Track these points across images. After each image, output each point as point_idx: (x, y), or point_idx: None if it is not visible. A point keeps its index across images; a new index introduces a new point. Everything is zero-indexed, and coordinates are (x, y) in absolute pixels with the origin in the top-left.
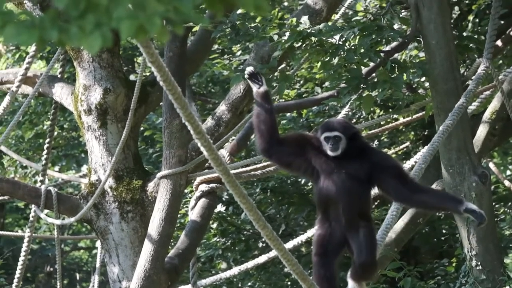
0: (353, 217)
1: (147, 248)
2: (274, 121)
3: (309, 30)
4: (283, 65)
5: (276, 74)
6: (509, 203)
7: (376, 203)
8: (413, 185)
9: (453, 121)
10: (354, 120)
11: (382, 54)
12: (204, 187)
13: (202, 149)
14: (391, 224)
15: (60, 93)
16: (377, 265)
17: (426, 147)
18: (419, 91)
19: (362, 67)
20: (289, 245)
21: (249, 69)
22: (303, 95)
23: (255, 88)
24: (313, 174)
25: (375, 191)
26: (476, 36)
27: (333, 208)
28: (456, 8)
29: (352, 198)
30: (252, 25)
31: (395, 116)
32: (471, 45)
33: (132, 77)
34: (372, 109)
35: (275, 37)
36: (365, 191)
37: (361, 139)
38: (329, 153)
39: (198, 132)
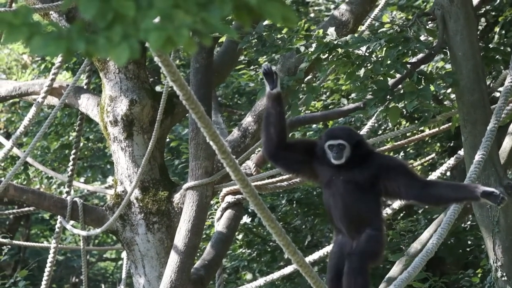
0: (355, 225)
1: (173, 259)
2: (284, 125)
3: (335, 42)
4: (309, 77)
5: (302, 85)
6: None
7: (401, 214)
8: (423, 181)
9: (487, 150)
10: (380, 132)
11: (408, 66)
12: (230, 198)
13: (228, 169)
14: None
15: (86, 104)
16: (364, 275)
17: (470, 169)
18: (445, 102)
19: (389, 79)
20: (315, 256)
21: (266, 65)
22: (329, 107)
23: (268, 88)
24: (319, 181)
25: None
26: (502, 48)
27: (334, 216)
28: (483, 19)
29: (348, 205)
30: (279, 36)
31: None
32: (497, 56)
33: (158, 88)
34: (398, 120)
35: (302, 49)
36: (366, 197)
37: (365, 146)
38: (333, 161)
39: (223, 152)
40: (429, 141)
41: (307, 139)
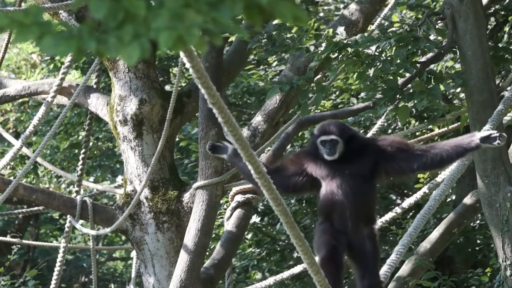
0: (360, 219)
1: (183, 259)
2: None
3: (345, 41)
4: (319, 76)
5: (312, 85)
6: None
7: (411, 213)
8: (421, 149)
9: (493, 127)
10: (390, 131)
11: (418, 65)
12: (240, 198)
13: (262, 188)
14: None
15: (96, 103)
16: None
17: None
18: (454, 101)
19: (398, 78)
20: None
21: (208, 145)
22: (339, 106)
23: (224, 155)
24: (318, 186)
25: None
26: (511, 47)
27: (337, 213)
28: (492, 19)
29: (358, 198)
30: (288, 35)
31: (430, 126)
32: (506, 56)
33: (167, 87)
34: (407, 120)
35: (312, 48)
36: (370, 189)
37: (359, 140)
38: (326, 157)
39: (259, 172)
40: (438, 140)
41: (291, 153)
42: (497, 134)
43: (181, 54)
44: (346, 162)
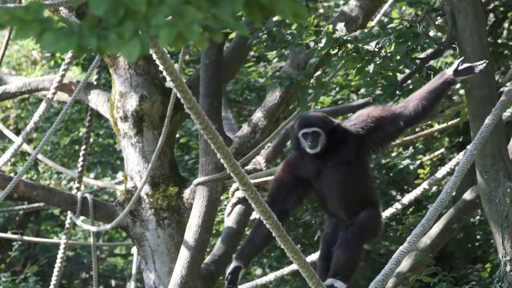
0: (354, 206)
1: (184, 255)
2: (255, 244)
3: (345, 37)
4: (319, 72)
5: (312, 81)
6: None
7: (411, 209)
8: (400, 107)
9: (495, 119)
10: None
11: (417, 61)
12: (240, 194)
13: (250, 201)
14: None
15: (96, 100)
16: (358, 249)
17: (466, 153)
18: (454, 97)
19: (398, 74)
20: None
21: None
22: (339, 102)
23: (241, 270)
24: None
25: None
26: (511, 43)
27: (332, 204)
28: (491, 15)
29: (346, 188)
30: (288, 32)
31: (429, 122)
32: (506, 52)
33: (168, 84)
34: None
35: (311, 44)
36: (359, 173)
37: (341, 130)
38: (308, 150)
39: (244, 184)
40: (438, 136)
41: (278, 171)
42: (469, 65)
43: (156, 59)
44: (330, 153)
